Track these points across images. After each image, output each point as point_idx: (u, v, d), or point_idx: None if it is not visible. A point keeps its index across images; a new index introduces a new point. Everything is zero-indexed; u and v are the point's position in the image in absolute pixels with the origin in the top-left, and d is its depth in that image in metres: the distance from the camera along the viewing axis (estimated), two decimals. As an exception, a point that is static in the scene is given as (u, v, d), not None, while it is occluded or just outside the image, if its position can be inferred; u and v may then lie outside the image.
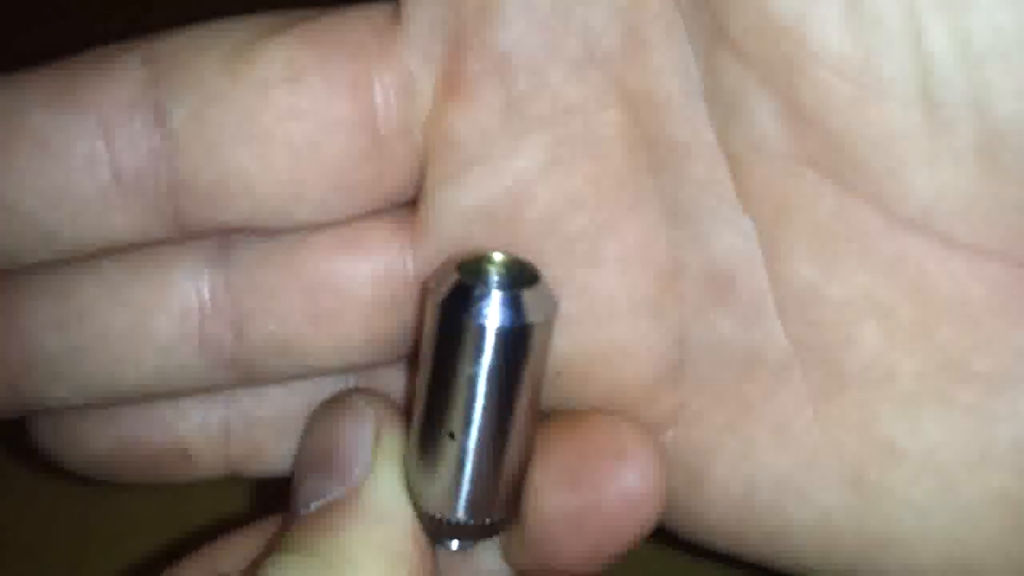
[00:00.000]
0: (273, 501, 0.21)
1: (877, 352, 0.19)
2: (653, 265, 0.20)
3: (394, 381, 0.22)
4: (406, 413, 0.20)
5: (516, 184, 0.19)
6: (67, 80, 0.19)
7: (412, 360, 0.21)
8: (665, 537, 0.21)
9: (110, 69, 0.19)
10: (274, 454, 0.22)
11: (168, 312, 0.20)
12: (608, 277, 0.20)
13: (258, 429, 0.22)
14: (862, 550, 0.19)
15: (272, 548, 0.19)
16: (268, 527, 0.21)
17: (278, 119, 0.19)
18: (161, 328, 0.20)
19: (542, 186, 0.19)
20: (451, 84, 0.19)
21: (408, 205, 0.20)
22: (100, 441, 0.22)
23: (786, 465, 0.19)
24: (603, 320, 0.20)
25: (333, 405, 0.21)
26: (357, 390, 0.21)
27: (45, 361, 0.20)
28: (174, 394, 0.21)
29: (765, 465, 0.20)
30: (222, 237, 0.20)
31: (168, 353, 0.20)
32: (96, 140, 0.19)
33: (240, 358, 0.20)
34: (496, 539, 0.21)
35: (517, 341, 0.18)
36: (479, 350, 0.18)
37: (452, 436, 0.18)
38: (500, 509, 0.19)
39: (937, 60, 0.16)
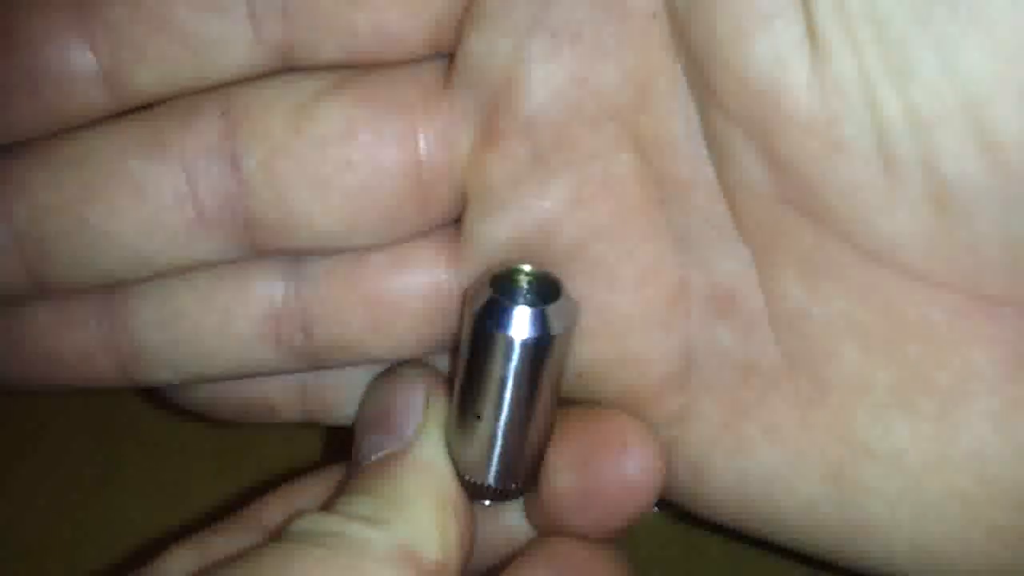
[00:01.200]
0: (339, 451, 0.25)
1: (855, 365, 0.21)
2: (664, 285, 0.22)
3: (441, 360, 0.25)
4: (450, 390, 0.24)
5: (544, 220, 0.22)
6: (156, 131, 0.22)
7: (453, 351, 0.25)
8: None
9: (191, 120, 0.22)
10: (341, 408, 0.26)
11: (248, 316, 0.24)
12: (624, 296, 0.22)
13: (328, 389, 0.26)
14: (844, 535, 0.22)
15: (340, 492, 0.23)
16: (335, 472, 0.25)
17: (335, 170, 0.22)
18: (242, 329, 0.24)
19: (567, 221, 0.22)
20: (487, 139, 0.22)
21: (452, 225, 0.23)
22: (202, 391, 0.26)
23: (775, 461, 0.22)
24: (619, 333, 0.23)
25: (389, 375, 0.24)
26: (410, 362, 0.25)
27: (150, 352, 0.24)
28: (255, 375, 0.25)
29: (757, 461, 0.22)
30: (295, 255, 0.23)
31: (248, 349, 0.24)
32: (181, 183, 0.22)
33: (309, 353, 0.24)
34: (520, 501, 0.24)
35: (540, 350, 0.21)
36: (507, 358, 0.21)
37: (479, 418, 0.22)
38: (523, 478, 0.23)
39: (889, 124, 0.18)
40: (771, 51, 0.19)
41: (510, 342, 0.21)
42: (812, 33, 0.19)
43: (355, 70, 0.22)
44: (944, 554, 0.21)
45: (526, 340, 0.21)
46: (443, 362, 0.25)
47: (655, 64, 0.21)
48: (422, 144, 0.22)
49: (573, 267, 0.22)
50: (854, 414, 0.21)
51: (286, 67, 0.22)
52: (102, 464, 0.30)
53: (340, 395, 0.25)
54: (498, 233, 0.23)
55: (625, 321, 0.23)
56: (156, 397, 0.27)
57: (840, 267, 0.21)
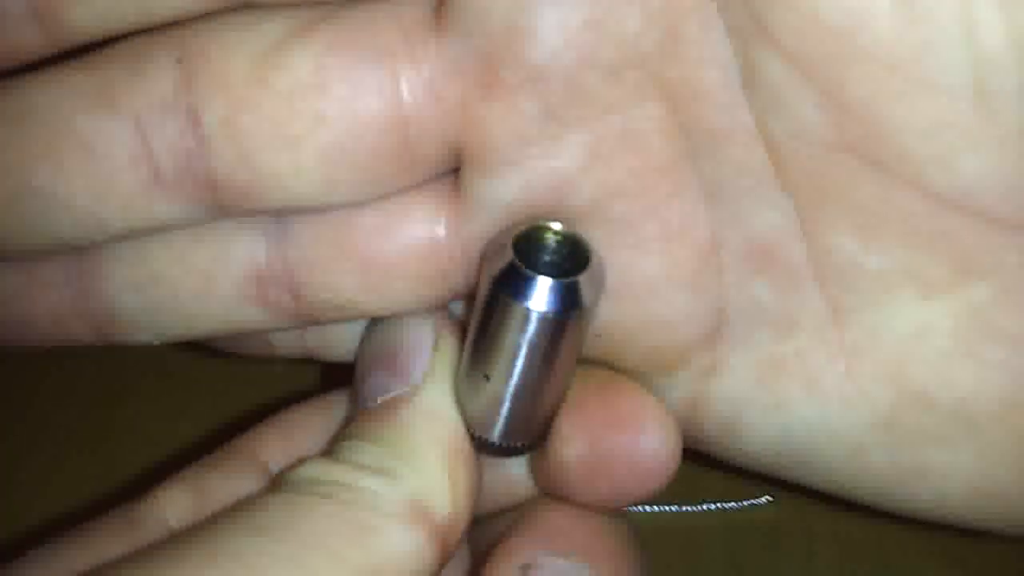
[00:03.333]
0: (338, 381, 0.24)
1: (912, 312, 0.20)
2: (693, 243, 0.20)
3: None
4: (461, 334, 0.22)
5: (556, 181, 0.20)
6: (105, 82, 0.19)
7: (469, 299, 0.22)
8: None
9: (143, 69, 0.19)
10: (343, 347, 0.24)
11: (230, 278, 0.21)
12: (649, 257, 0.20)
13: (329, 329, 0.24)
14: (894, 478, 0.21)
15: (343, 435, 0.21)
16: (333, 403, 0.23)
17: (307, 125, 0.19)
18: (225, 291, 0.21)
19: (583, 180, 0.20)
20: (486, 91, 0.19)
21: (448, 178, 0.21)
22: None
23: (818, 414, 0.21)
24: (644, 296, 0.21)
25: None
26: None
27: (127, 315, 0.22)
28: (246, 334, 0.23)
29: (797, 415, 0.21)
30: (271, 215, 0.21)
31: (233, 310, 0.22)
32: (135, 141, 0.19)
33: (300, 314, 0.22)
34: (525, 458, 0.23)
35: (561, 325, 0.19)
36: (524, 329, 0.19)
37: (488, 378, 0.20)
38: (529, 439, 0.22)
39: (990, 51, 0.17)
40: None
41: (528, 314, 0.19)
42: None
43: (327, 7, 0.19)
44: (1003, 496, 0.20)
45: (545, 314, 0.19)
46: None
47: (685, 3, 0.18)
48: (405, 94, 0.19)
49: (591, 226, 0.20)
50: (910, 363, 0.20)
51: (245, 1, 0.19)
52: (98, 393, 0.29)
53: (342, 332, 0.24)
54: (503, 194, 0.20)
55: (650, 283, 0.21)
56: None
57: (903, 216, 0.19)
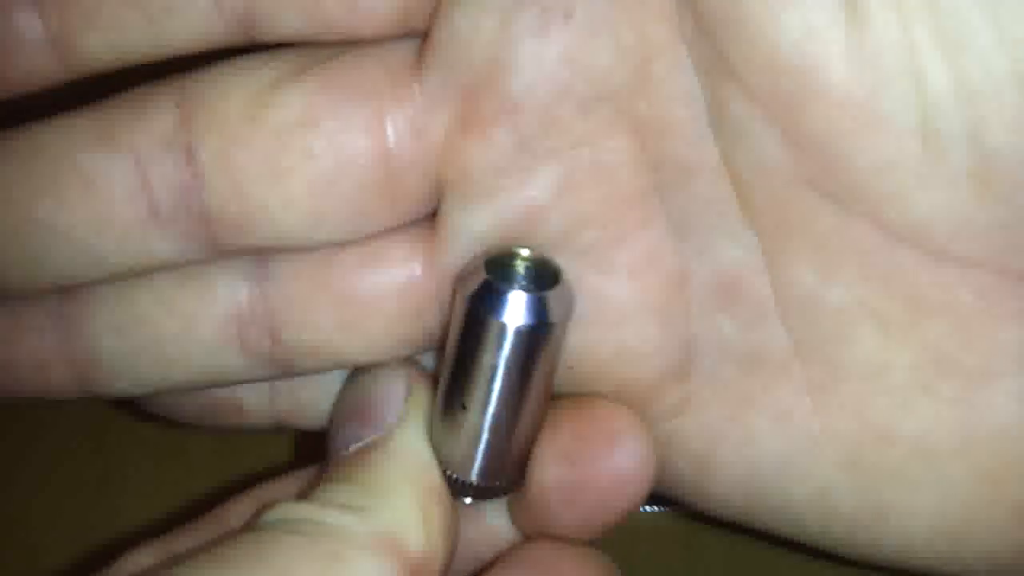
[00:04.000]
0: (310, 457, 0.24)
1: (871, 349, 0.20)
2: (661, 274, 0.21)
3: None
4: (435, 385, 0.22)
5: (529, 209, 0.21)
6: (107, 123, 0.21)
7: (439, 350, 0.23)
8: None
9: (144, 110, 0.21)
10: (314, 412, 0.24)
11: (211, 320, 0.22)
12: (618, 284, 0.21)
13: (302, 391, 0.24)
14: (859, 521, 0.21)
15: (314, 483, 0.21)
16: (307, 474, 0.24)
17: (296, 160, 0.20)
18: (206, 333, 0.22)
19: (553, 210, 0.21)
20: (465, 126, 0.20)
21: (426, 220, 0.22)
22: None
23: (786, 450, 0.21)
24: (613, 324, 0.21)
25: (368, 369, 0.23)
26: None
27: (107, 360, 0.22)
28: (221, 385, 0.23)
29: (767, 450, 0.21)
30: (258, 254, 0.22)
31: (212, 354, 0.22)
32: (133, 177, 0.21)
33: (277, 359, 0.22)
34: (504, 501, 0.23)
35: (536, 338, 0.20)
36: (500, 345, 0.20)
37: (465, 408, 0.21)
38: (508, 475, 0.22)
39: (935, 95, 0.18)
40: (803, 21, 0.18)
41: (503, 329, 0.20)
42: (851, 1, 0.18)
43: (318, 55, 0.21)
44: (965, 537, 0.21)
45: (521, 328, 0.20)
46: (425, 363, 0.24)
47: (655, 41, 0.20)
48: (390, 131, 0.21)
49: (562, 254, 0.21)
50: (871, 399, 0.21)
51: (247, 41, 0.21)
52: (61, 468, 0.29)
53: (314, 395, 0.24)
54: (478, 224, 0.21)
55: (620, 311, 0.21)
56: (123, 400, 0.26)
57: (860, 250, 0.20)
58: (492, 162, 0.21)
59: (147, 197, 0.21)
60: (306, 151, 0.21)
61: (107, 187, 0.21)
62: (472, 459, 0.21)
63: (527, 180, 0.21)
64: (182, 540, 0.22)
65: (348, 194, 0.21)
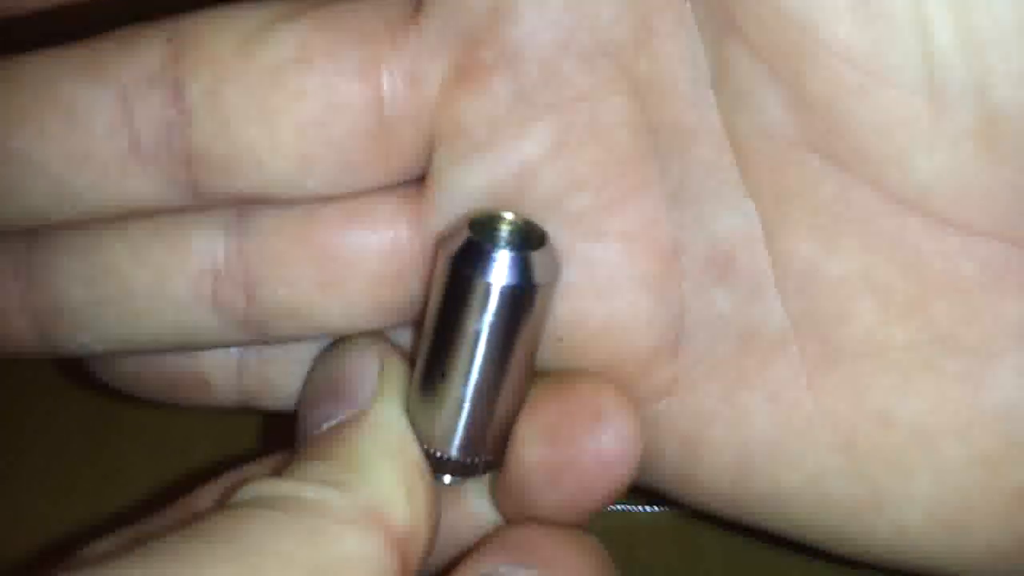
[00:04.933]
0: (280, 442, 0.23)
1: (871, 326, 0.20)
2: (655, 244, 0.21)
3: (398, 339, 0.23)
4: (411, 363, 0.22)
5: (522, 167, 0.20)
6: (94, 54, 0.20)
7: (418, 322, 0.22)
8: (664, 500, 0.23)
9: (134, 45, 0.20)
10: (283, 390, 0.23)
11: (185, 273, 0.21)
12: (610, 252, 0.21)
13: (271, 366, 0.23)
14: (851, 510, 0.21)
15: (287, 463, 0.20)
16: (278, 460, 0.22)
17: (287, 99, 0.20)
18: (178, 288, 0.21)
19: (547, 169, 0.20)
20: (462, 74, 0.20)
21: (415, 182, 0.21)
22: (128, 363, 0.23)
23: (779, 432, 0.20)
24: (604, 292, 0.21)
25: (337, 345, 0.22)
26: (360, 334, 0.22)
27: (71, 311, 0.21)
28: (190, 348, 0.22)
29: (759, 432, 0.21)
30: (240, 206, 0.21)
31: (184, 311, 0.21)
32: (116, 111, 0.20)
33: (252, 319, 0.22)
34: (485, 484, 0.22)
35: (521, 300, 0.19)
36: (484, 306, 0.19)
37: (444, 377, 0.20)
38: (489, 450, 0.21)
39: (941, 48, 0.18)
40: None
41: (487, 288, 0.19)
42: None
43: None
44: (961, 523, 0.20)
45: (505, 287, 0.19)
46: (402, 339, 0.23)
47: None
48: (385, 78, 0.20)
49: (553, 218, 0.20)
50: (869, 379, 0.20)
51: None
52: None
53: (283, 372, 0.23)
54: (470, 181, 0.21)
55: (611, 280, 0.21)
56: (78, 371, 0.25)
57: (862, 217, 0.19)
58: (488, 114, 0.20)
59: (129, 132, 0.20)
60: (298, 91, 0.20)
61: (88, 119, 0.20)
62: (452, 432, 0.20)
63: (523, 135, 0.20)
64: (150, 529, 0.21)
65: (338, 141, 0.20)
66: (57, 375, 0.28)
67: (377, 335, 0.22)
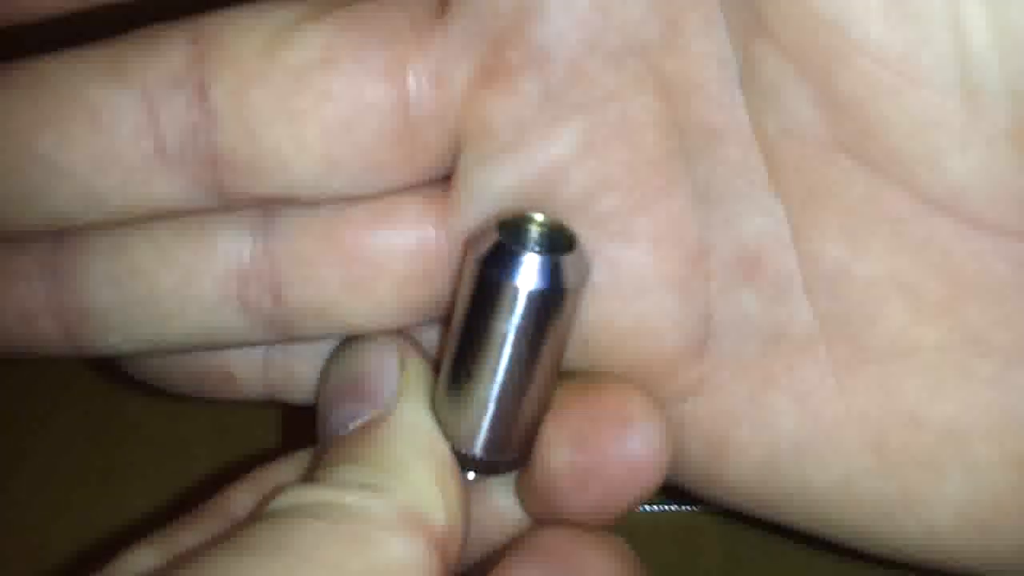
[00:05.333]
0: (300, 435, 0.23)
1: (901, 327, 0.20)
2: (682, 245, 0.20)
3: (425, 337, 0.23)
4: (437, 361, 0.22)
5: (550, 168, 0.20)
6: (117, 57, 0.20)
7: (445, 321, 0.22)
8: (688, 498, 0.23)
9: (157, 46, 0.20)
10: (309, 383, 0.23)
11: (211, 274, 0.21)
12: (638, 254, 0.20)
13: (296, 360, 0.23)
14: (882, 510, 0.20)
15: (318, 466, 0.20)
16: (304, 457, 0.22)
17: (312, 101, 0.20)
18: (205, 288, 0.21)
19: (575, 170, 0.20)
20: (489, 75, 0.20)
21: (441, 182, 0.21)
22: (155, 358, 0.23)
23: (807, 433, 0.20)
24: (631, 294, 0.21)
25: (356, 340, 0.22)
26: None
27: (99, 313, 0.21)
28: (218, 347, 0.22)
29: (786, 432, 0.21)
30: (266, 207, 0.21)
31: (211, 311, 0.21)
32: (141, 113, 0.20)
33: (278, 320, 0.21)
34: (511, 481, 0.22)
35: (549, 304, 0.19)
36: (512, 309, 0.19)
37: (471, 377, 0.20)
38: (514, 450, 0.21)
39: (976, 48, 0.17)
40: None
41: (516, 292, 0.19)
42: None
43: None
44: (994, 526, 0.20)
45: (534, 291, 0.19)
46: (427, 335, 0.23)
47: None
48: (411, 79, 0.20)
49: (581, 220, 0.20)
50: (899, 380, 0.20)
51: None
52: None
53: (309, 365, 0.23)
54: (497, 181, 0.20)
55: (638, 281, 0.21)
56: (106, 366, 0.25)
57: (892, 219, 0.19)
58: (515, 114, 0.20)
59: (154, 135, 0.20)
60: (323, 92, 0.20)
61: (113, 122, 0.20)
62: (478, 431, 0.20)
63: (550, 136, 0.20)
64: (183, 533, 0.21)
65: (363, 142, 0.20)
66: (61, 372, 0.28)
67: (394, 331, 0.22)
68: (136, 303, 0.21)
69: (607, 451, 0.20)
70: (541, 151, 0.20)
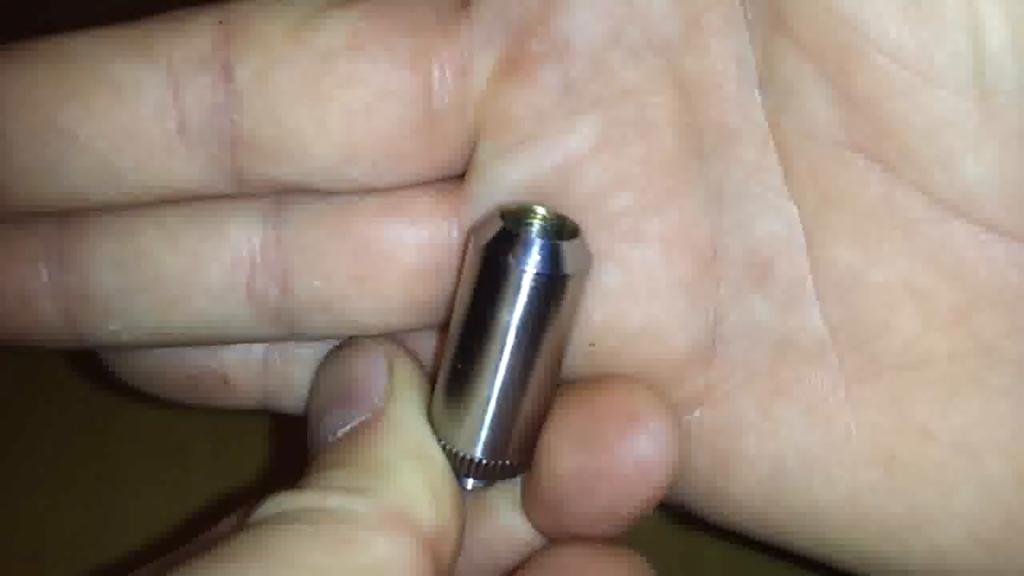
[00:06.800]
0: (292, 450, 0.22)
1: (913, 336, 0.19)
2: (693, 247, 0.20)
3: (420, 345, 0.23)
4: (435, 365, 0.21)
5: (566, 162, 0.20)
6: (144, 34, 0.20)
7: (444, 326, 0.22)
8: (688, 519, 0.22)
9: (184, 26, 0.20)
10: (305, 391, 0.23)
11: (219, 261, 0.21)
12: (648, 255, 0.20)
13: (295, 366, 0.23)
14: (887, 529, 0.20)
15: (305, 473, 0.20)
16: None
17: (336, 85, 0.20)
18: (212, 276, 0.21)
19: (591, 165, 0.20)
20: (511, 66, 0.20)
21: (456, 179, 0.21)
22: (148, 359, 0.23)
23: (815, 445, 0.20)
24: (640, 296, 0.20)
25: (342, 347, 0.22)
26: (366, 337, 0.22)
27: (102, 297, 0.21)
28: (220, 341, 0.22)
29: (794, 444, 0.20)
30: (278, 195, 0.21)
31: (217, 300, 0.21)
32: (165, 91, 0.20)
33: (284, 311, 0.21)
34: (516, 498, 0.21)
35: (553, 289, 0.19)
36: (515, 295, 0.19)
37: (472, 371, 0.19)
38: (515, 453, 0.20)
39: (992, 49, 0.18)
40: None
41: (519, 277, 0.19)
42: None
43: None
44: (1004, 545, 0.19)
45: (538, 275, 0.19)
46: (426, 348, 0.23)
47: None
48: (435, 69, 0.20)
49: (592, 218, 0.20)
50: (910, 391, 0.19)
51: None
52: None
53: (306, 372, 0.23)
54: (512, 175, 0.20)
55: (647, 283, 0.20)
56: (96, 372, 0.24)
57: (906, 223, 0.19)
58: (536, 105, 0.20)
59: (177, 113, 0.20)
60: (348, 78, 0.20)
61: (136, 98, 0.20)
62: (478, 431, 0.20)
63: (569, 129, 0.20)
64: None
65: (384, 129, 0.20)
66: (57, 372, 0.28)
67: (384, 337, 0.22)
68: (140, 289, 0.21)
69: (614, 451, 0.20)
70: (557, 145, 0.20)
